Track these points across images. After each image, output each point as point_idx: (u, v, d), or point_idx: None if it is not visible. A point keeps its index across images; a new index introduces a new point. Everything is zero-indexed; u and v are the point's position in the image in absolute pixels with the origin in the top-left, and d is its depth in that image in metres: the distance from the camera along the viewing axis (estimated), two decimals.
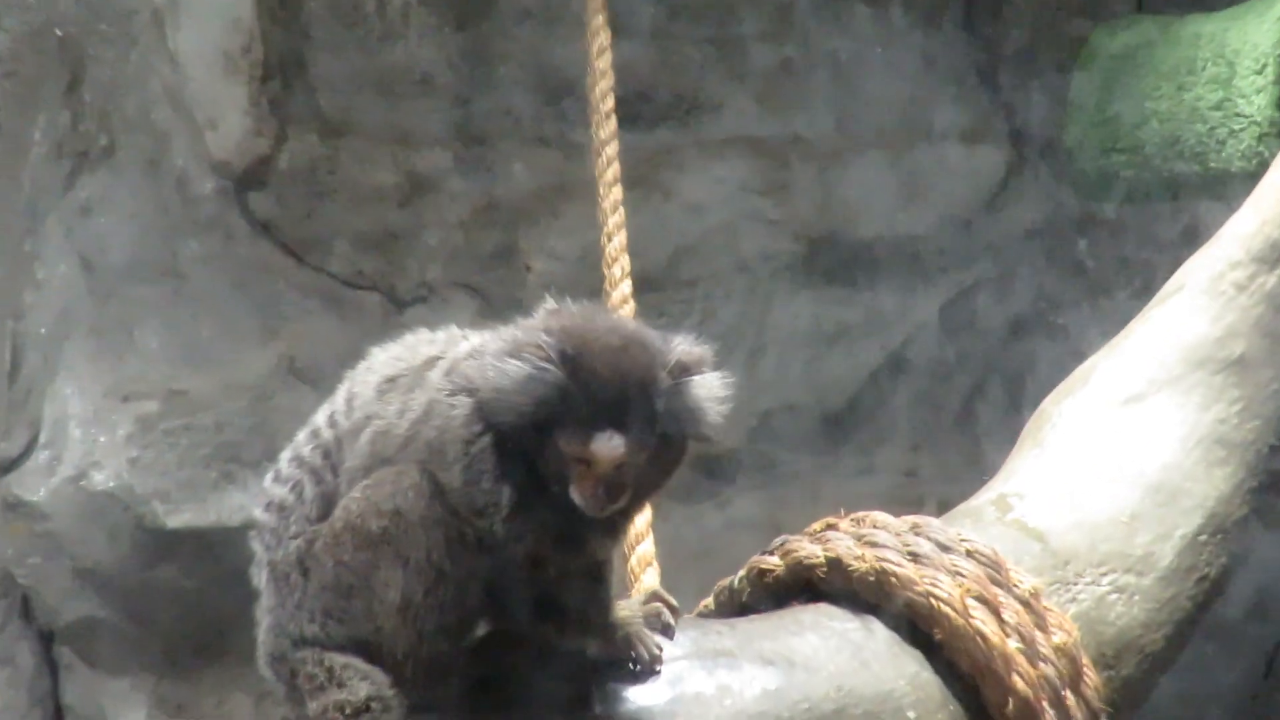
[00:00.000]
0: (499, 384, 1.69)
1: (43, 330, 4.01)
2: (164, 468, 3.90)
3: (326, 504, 1.86)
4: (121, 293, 4.01)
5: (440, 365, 1.83)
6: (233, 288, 4.08)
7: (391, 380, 1.86)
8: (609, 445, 1.68)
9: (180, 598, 3.89)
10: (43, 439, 3.92)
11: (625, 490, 1.74)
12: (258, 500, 1.93)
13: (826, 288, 4.64)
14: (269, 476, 1.94)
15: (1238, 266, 2.59)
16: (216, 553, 3.78)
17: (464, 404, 1.74)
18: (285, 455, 1.94)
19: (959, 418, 4.70)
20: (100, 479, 3.86)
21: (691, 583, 2.35)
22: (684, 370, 1.76)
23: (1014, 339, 4.59)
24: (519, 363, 1.69)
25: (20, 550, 3.89)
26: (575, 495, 1.72)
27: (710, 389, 1.78)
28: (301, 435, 1.95)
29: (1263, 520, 2.47)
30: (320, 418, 1.93)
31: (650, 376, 1.72)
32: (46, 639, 4.00)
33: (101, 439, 3.89)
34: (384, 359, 1.91)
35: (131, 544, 3.86)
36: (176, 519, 3.87)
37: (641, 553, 2.88)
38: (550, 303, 1.84)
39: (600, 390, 1.68)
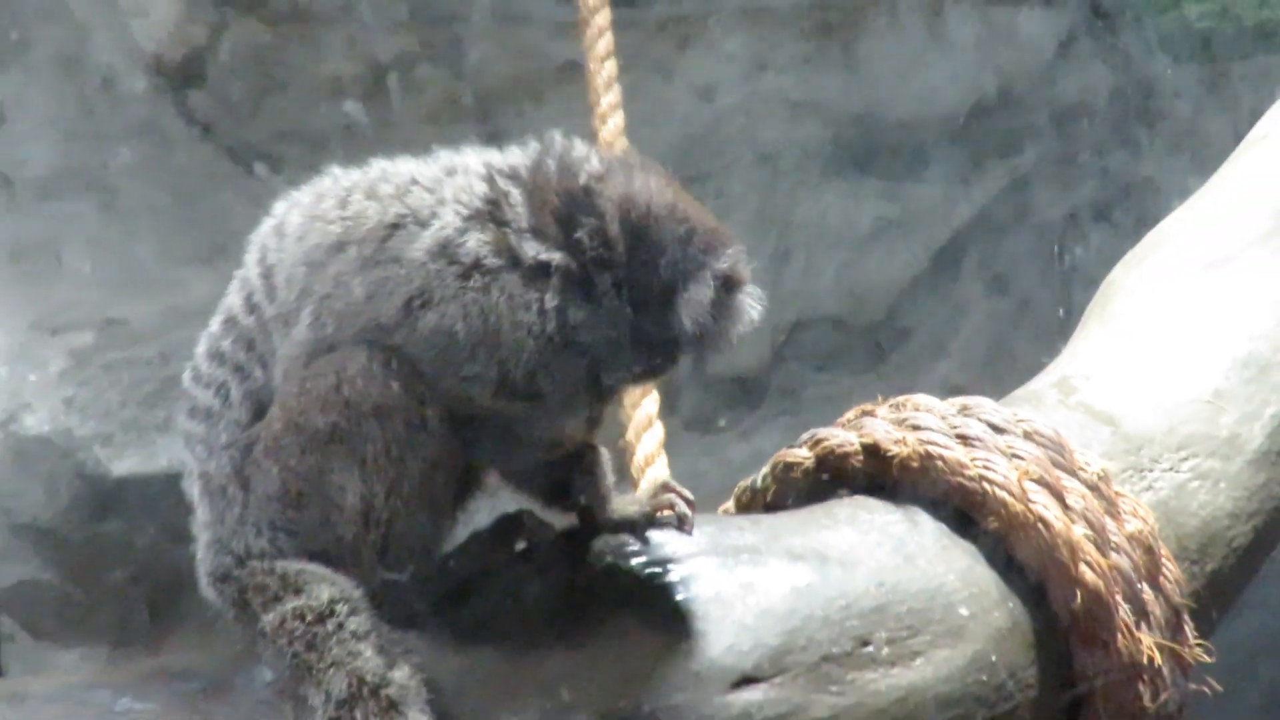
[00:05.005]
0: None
1: None
2: (104, 407, 3.91)
3: (258, 403, 1.83)
4: (45, 210, 4.01)
5: (424, 237, 1.76)
6: (172, 200, 4.08)
7: (333, 249, 1.80)
8: None
9: (131, 555, 3.91)
10: None
11: None
12: (181, 404, 1.91)
13: (860, 179, 4.62)
14: (188, 375, 1.90)
15: None
16: (169, 503, 3.78)
17: (528, 283, 1.75)
18: (201, 349, 1.90)
19: (1014, 326, 4.69)
20: (32, 422, 3.87)
21: None
22: None
23: (1077, 232, 4.55)
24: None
25: None
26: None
27: None
28: (215, 324, 1.89)
29: None
30: (235, 301, 1.88)
31: None
32: None
33: (31, 377, 3.91)
34: (300, 221, 1.85)
35: (71, 495, 3.88)
36: (121, 465, 3.88)
37: (654, 478, 2.89)
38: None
39: None
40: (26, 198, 4.02)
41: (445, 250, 1.77)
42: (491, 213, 1.78)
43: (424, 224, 1.79)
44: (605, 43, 3.29)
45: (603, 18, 3.33)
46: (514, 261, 1.76)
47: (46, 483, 3.89)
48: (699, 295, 1.76)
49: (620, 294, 1.78)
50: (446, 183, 1.82)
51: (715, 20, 4.42)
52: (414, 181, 1.83)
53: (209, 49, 4.12)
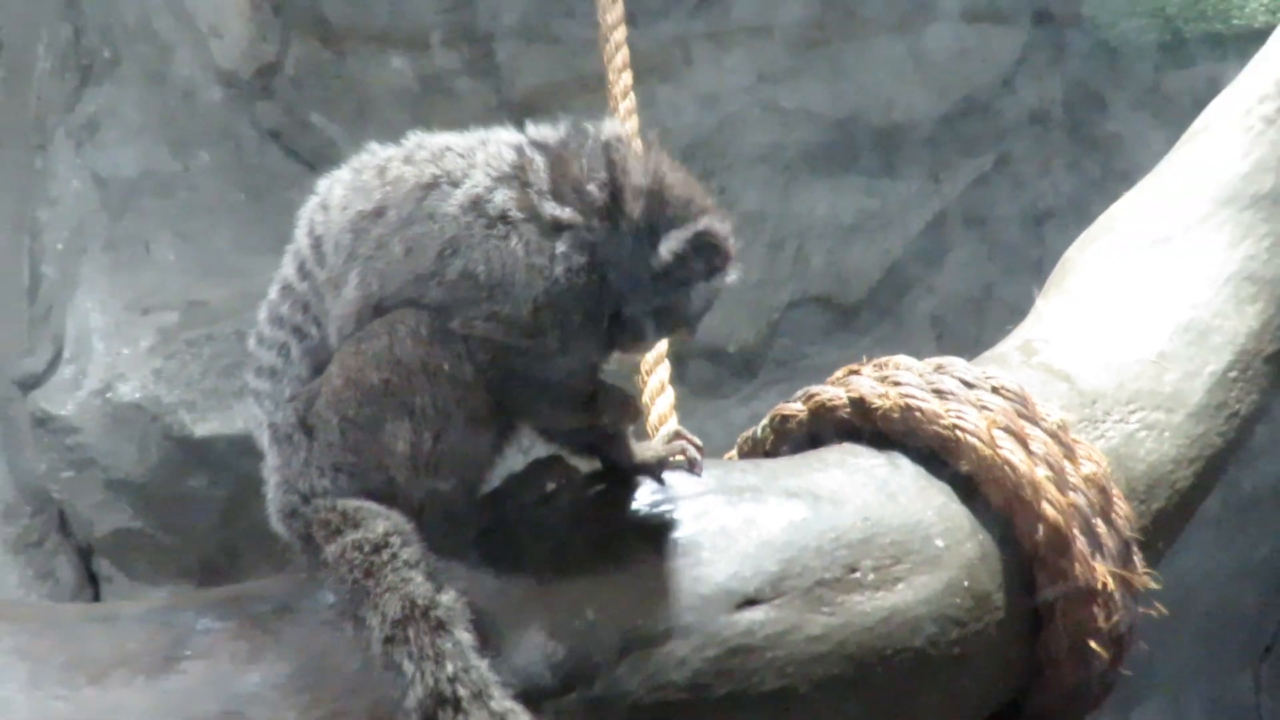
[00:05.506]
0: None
1: (59, 246, 4.01)
2: (188, 377, 3.91)
3: (316, 359, 1.82)
4: (135, 206, 4.00)
5: (457, 195, 1.73)
6: (245, 198, 4.06)
7: (374, 214, 1.77)
8: None
9: (212, 506, 3.92)
10: (66, 354, 3.94)
11: None
12: (248, 364, 1.89)
13: (844, 176, 4.57)
14: (252, 339, 1.89)
15: (1266, 100, 2.52)
16: (244, 460, 3.79)
17: (545, 234, 1.73)
18: (262, 314, 1.88)
19: (982, 306, 4.65)
20: (126, 390, 3.87)
21: None
22: None
23: (1036, 224, 4.51)
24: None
25: (52, 465, 3.93)
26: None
27: None
28: (273, 291, 1.88)
29: None
30: (288, 270, 1.86)
31: None
32: (85, 553, 4.06)
33: (124, 351, 3.91)
34: (342, 193, 1.82)
35: (160, 454, 3.89)
36: (203, 428, 3.89)
37: (665, 432, 2.89)
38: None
39: None
40: (118, 196, 4.02)
41: (476, 205, 1.74)
42: (518, 175, 1.77)
43: (457, 184, 1.76)
44: (622, 56, 3.27)
45: (620, 34, 3.31)
46: (534, 216, 1.75)
47: (138, 443, 3.90)
48: (681, 235, 1.76)
49: (622, 247, 1.76)
50: (479, 150, 1.80)
51: (718, 38, 4.39)
52: (448, 149, 1.81)
53: (277, 65, 4.11)
